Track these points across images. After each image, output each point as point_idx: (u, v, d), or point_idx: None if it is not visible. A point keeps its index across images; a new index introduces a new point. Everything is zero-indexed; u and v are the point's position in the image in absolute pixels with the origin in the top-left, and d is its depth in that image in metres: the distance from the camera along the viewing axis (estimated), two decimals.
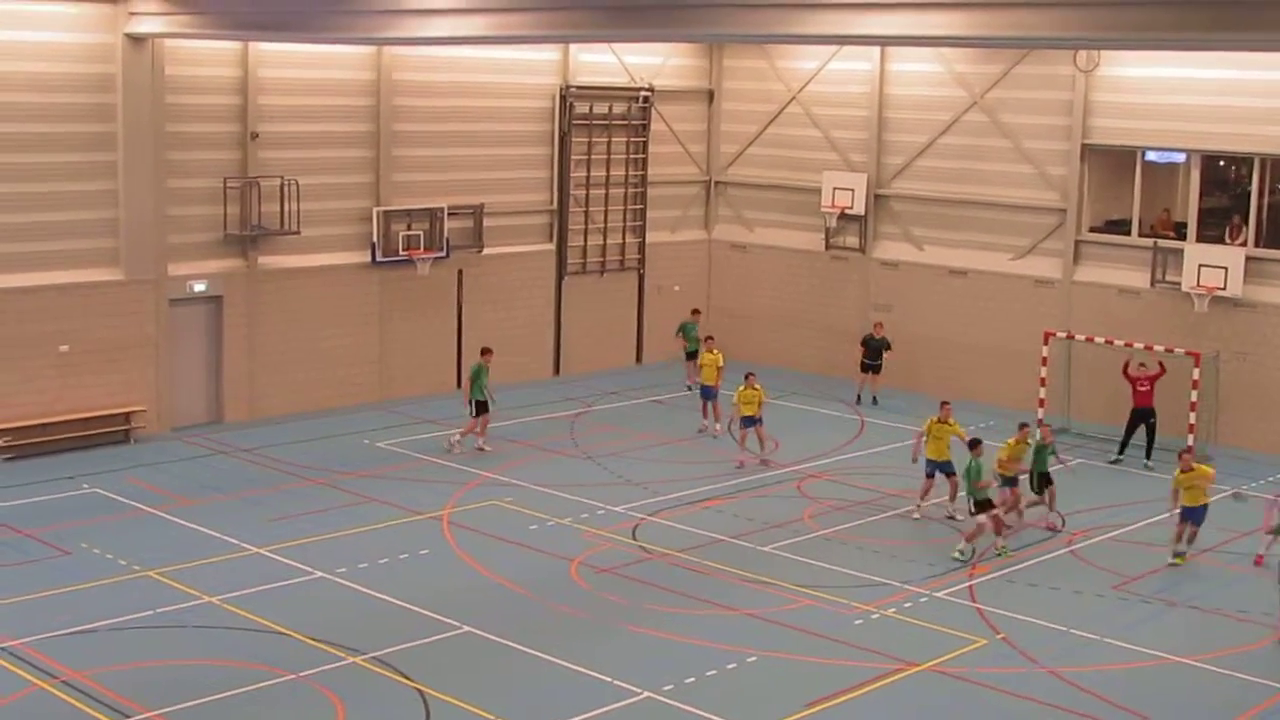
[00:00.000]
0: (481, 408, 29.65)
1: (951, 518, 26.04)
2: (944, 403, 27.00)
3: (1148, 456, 29.85)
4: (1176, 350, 30.46)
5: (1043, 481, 26.00)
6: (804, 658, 19.87)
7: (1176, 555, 24.11)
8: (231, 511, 25.56)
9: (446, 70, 34.18)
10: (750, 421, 29.43)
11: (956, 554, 23.92)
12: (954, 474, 26.04)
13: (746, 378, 29.67)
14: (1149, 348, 30.68)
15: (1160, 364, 29.98)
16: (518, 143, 36.07)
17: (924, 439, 26.51)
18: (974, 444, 24.52)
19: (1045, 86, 33.87)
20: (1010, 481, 25.61)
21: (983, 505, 24.05)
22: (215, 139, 31.05)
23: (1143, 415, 29.90)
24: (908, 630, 20.94)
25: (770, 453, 29.77)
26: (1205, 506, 24.12)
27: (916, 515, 26.13)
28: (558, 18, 22.87)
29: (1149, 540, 25.16)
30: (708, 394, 31.70)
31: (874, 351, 34.69)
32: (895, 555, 24.13)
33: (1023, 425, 26.50)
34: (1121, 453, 30.12)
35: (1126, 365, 30.22)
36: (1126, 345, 30.99)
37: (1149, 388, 29.73)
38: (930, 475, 26.35)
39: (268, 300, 31.95)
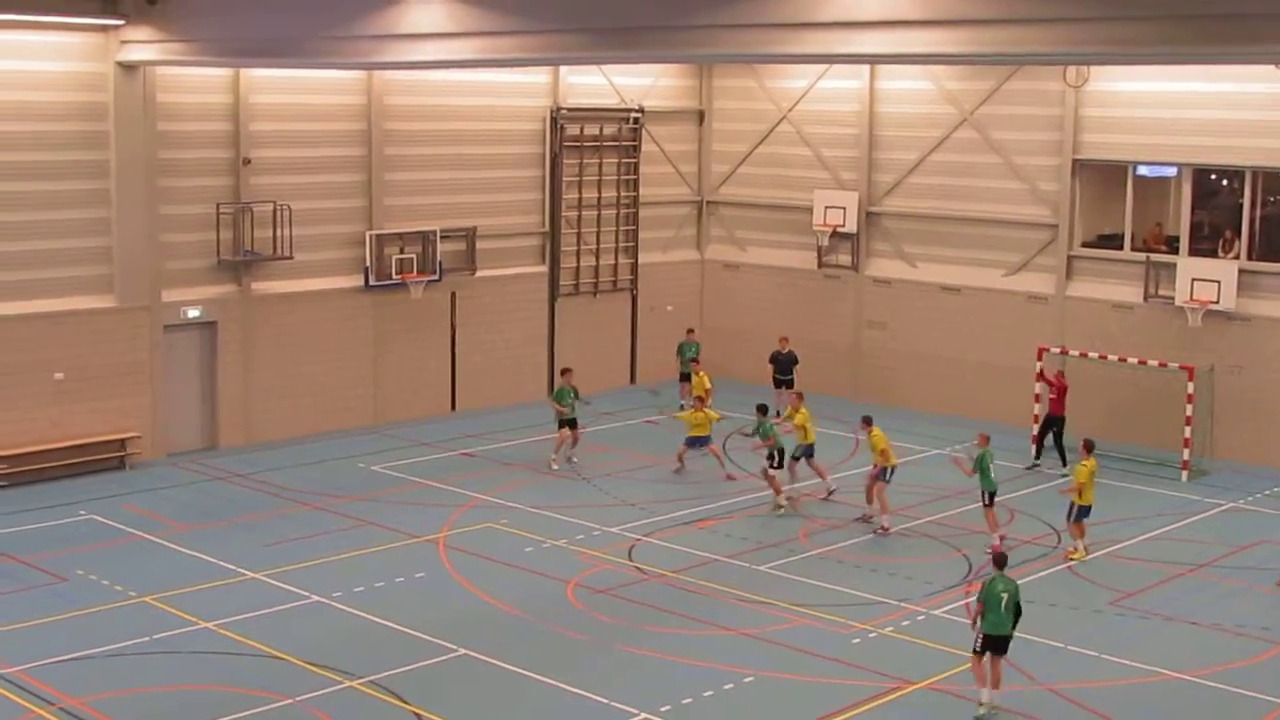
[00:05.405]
0: (571, 424, 30.75)
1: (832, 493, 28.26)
2: (797, 394, 29.85)
3: (1063, 464, 29.96)
4: (1170, 364, 30.52)
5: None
6: (801, 677, 19.85)
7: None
8: (227, 537, 25.54)
9: (437, 94, 34.22)
10: (699, 441, 29.98)
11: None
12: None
13: (697, 400, 30.66)
14: (1142, 361, 30.77)
15: (1060, 373, 30.57)
16: (509, 165, 36.10)
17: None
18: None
19: (1035, 102, 33.95)
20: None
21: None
22: (207, 165, 31.07)
23: (1052, 423, 30.30)
24: (905, 648, 20.91)
25: (726, 473, 30.07)
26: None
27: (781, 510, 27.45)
28: (548, 40, 22.90)
29: (1146, 556, 25.16)
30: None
31: (783, 367, 34.82)
32: (892, 573, 24.11)
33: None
34: (1037, 458, 30.58)
35: (1043, 372, 30.87)
36: (1120, 360, 31.06)
37: (1057, 396, 30.02)
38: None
39: (261, 325, 31.95)
